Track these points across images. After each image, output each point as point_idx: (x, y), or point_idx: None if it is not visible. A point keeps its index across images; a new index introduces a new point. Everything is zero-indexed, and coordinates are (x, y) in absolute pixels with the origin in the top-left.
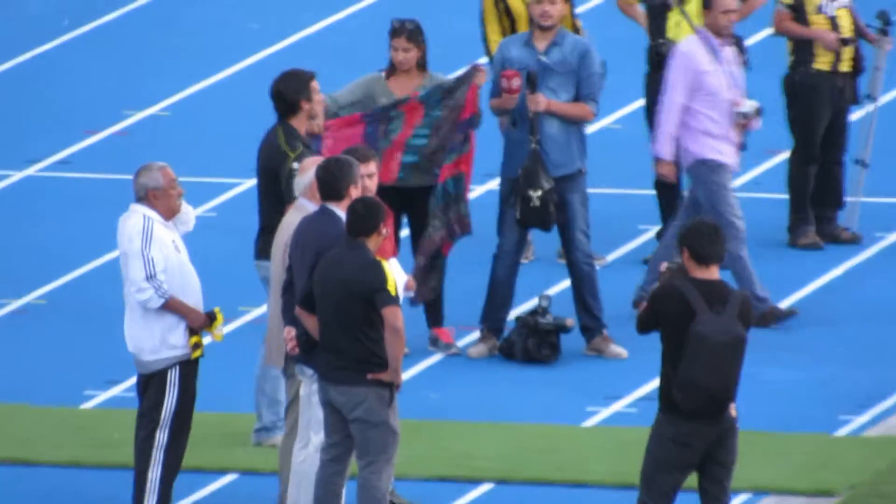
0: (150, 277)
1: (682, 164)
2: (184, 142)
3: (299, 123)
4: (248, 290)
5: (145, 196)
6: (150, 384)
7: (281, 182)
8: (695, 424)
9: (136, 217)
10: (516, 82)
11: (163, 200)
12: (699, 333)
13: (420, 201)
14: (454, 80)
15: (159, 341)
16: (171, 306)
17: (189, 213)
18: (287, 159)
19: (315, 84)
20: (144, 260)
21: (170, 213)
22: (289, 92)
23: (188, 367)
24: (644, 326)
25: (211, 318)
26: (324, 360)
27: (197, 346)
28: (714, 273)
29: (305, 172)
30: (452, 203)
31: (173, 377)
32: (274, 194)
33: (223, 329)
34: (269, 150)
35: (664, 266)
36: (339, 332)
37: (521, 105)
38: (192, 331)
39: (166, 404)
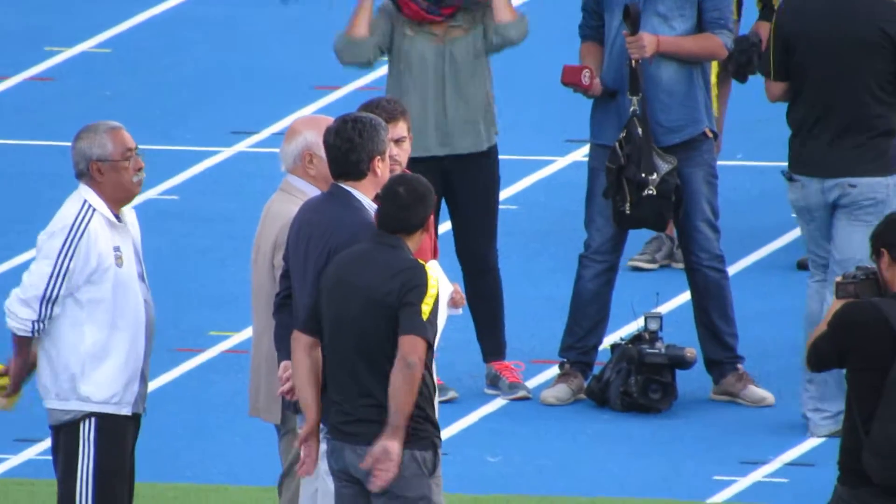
0: (48, 300)
1: None
2: (131, 91)
3: None
4: (224, 306)
5: (87, 171)
6: (59, 440)
7: None
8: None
9: (74, 204)
10: (587, 77)
11: (111, 178)
12: None
13: (469, 176)
14: None
15: (68, 386)
16: (23, 345)
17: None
18: None
19: None
20: (54, 271)
21: (121, 199)
22: None
23: (115, 420)
24: (821, 362)
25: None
26: (335, 408)
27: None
28: None
29: (294, 137)
30: None
31: (87, 431)
32: None
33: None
34: None
35: (843, 277)
36: (362, 366)
37: (618, 50)
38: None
39: (81, 472)
